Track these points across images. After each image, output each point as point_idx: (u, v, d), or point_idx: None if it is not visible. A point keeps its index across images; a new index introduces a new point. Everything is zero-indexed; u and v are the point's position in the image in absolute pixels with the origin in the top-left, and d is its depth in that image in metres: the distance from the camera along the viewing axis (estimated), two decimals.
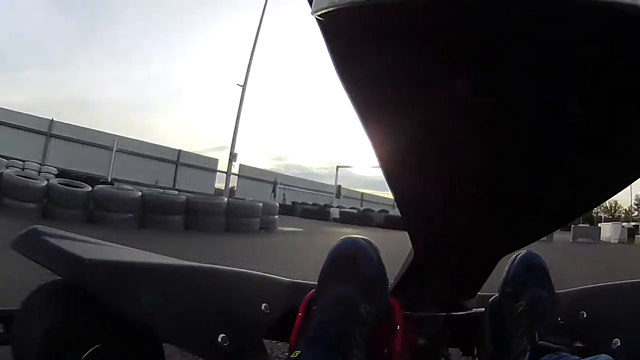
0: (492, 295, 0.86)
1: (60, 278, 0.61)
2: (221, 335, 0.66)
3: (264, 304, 0.75)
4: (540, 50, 0.40)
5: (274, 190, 23.18)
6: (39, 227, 0.68)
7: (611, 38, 0.36)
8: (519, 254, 0.80)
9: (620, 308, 0.74)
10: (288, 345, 0.66)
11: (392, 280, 0.81)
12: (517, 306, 0.71)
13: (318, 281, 0.66)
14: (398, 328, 0.67)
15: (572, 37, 0.38)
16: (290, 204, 21.02)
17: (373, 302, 0.63)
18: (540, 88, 0.45)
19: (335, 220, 16.18)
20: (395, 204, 0.68)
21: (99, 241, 0.81)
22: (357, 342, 0.58)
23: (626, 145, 0.54)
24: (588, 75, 0.42)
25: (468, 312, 0.86)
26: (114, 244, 0.84)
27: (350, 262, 0.65)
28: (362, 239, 0.68)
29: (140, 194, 6.81)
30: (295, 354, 0.55)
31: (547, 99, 0.47)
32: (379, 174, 0.59)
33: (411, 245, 0.78)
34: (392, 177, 0.59)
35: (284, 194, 24.72)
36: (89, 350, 0.58)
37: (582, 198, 0.69)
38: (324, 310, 0.61)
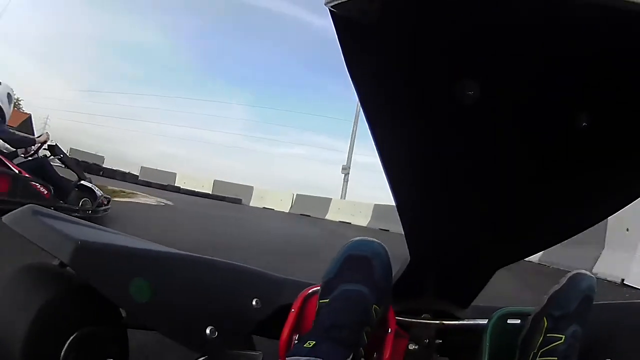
0: (486, 307, 0.85)
1: (46, 260, 0.59)
2: (209, 327, 0.65)
3: (255, 299, 0.74)
4: (547, 55, 0.39)
5: None
6: (35, 206, 0.67)
7: (617, 40, 0.36)
8: (582, 277, 0.66)
9: (614, 328, 0.73)
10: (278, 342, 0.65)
11: None
12: (556, 338, 0.62)
13: (326, 277, 0.65)
14: (389, 332, 0.66)
15: (577, 42, 0.37)
16: None
17: (381, 304, 0.64)
18: (546, 96, 0.45)
19: None
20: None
21: (93, 224, 0.80)
22: (363, 341, 0.59)
23: (629, 159, 0.53)
24: (593, 80, 0.42)
25: (461, 322, 0.85)
26: (108, 229, 0.83)
27: (366, 263, 0.64)
28: (377, 242, 0.68)
29: None
30: (309, 344, 0.55)
31: (552, 108, 0.46)
32: None
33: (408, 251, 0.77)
34: (395, 182, 0.59)
35: None
36: (75, 334, 0.57)
37: (583, 212, 0.68)
38: (337, 305, 0.60)
